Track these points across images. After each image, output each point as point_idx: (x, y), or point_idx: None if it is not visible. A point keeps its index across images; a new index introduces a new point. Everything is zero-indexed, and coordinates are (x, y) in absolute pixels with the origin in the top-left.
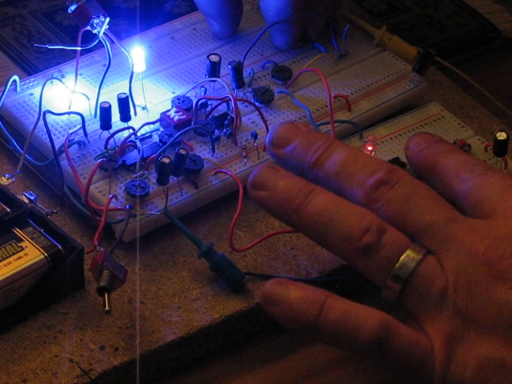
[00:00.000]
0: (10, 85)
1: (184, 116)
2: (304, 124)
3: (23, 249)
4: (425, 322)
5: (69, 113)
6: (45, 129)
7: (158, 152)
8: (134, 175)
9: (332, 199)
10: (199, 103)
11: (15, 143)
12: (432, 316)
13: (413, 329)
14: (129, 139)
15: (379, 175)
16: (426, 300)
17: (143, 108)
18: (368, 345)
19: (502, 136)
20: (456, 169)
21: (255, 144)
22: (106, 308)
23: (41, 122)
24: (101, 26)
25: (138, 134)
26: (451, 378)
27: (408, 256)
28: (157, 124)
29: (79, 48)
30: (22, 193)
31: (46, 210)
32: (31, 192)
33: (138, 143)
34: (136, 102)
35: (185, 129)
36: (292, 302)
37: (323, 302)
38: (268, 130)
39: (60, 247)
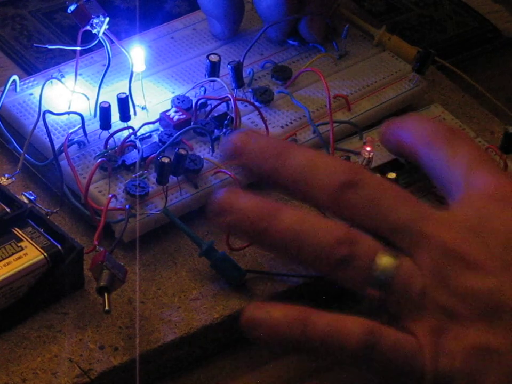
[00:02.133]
0: (10, 85)
1: (184, 116)
2: (255, 131)
3: (22, 249)
4: (409, 322)
5: (68, 113)
6: (44, 129)
7: (158, 152)
8: (133, 175)
9: (298, 215)
10: (199, 103)
11: (15, 143)
12: (415, 316)
13: (398, 330)
14: (129, 139)
15: (342, 178)
16: (407, 301)
17: (143, 108)
18: (356, 352)
19: None
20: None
21: None
22: (106, 308)
23: (41, 122)
24: (101, 26)
25: (138, 134)
26: (442, 372)
27: (384, 262)
28: (157, 124)
29: (78, 48)
30: (22, 193)
31: (46, 210)
32: (31, 192)
33: (138, 143)
34: (136, 102)
35: (185, 129)
36: (275, 323)
37: (306, 318)
38: (267, 130)
39: (60, 247)
